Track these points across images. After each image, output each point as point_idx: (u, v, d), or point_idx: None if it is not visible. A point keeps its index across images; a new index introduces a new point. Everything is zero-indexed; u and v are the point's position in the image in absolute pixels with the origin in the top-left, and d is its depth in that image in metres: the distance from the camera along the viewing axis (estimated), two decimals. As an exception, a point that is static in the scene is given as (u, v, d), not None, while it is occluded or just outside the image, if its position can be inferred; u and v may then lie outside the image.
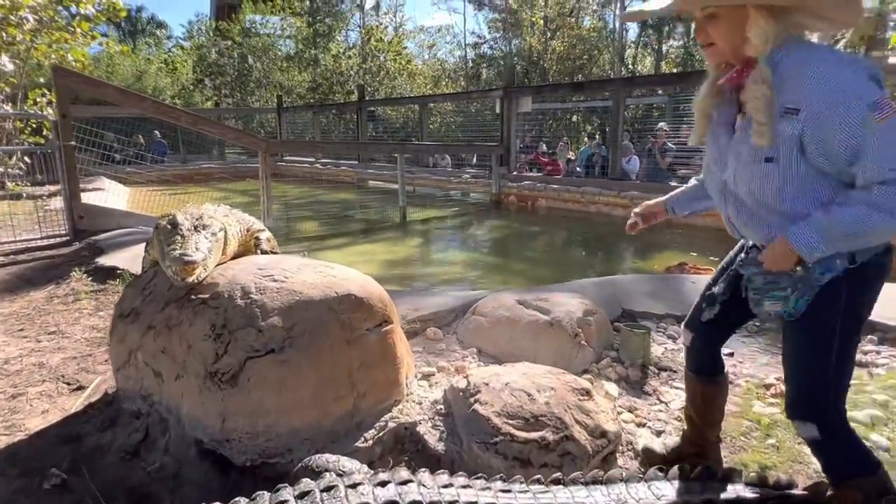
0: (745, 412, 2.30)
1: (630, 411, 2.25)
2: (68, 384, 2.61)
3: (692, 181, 1.95)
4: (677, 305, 3.33)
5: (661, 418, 2.23)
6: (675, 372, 2.62)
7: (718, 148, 1.56)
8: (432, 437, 1.97)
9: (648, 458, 1.97)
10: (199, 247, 1.94)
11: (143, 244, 2.42)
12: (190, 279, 1.86)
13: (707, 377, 1.84)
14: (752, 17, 1.36)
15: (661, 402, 2.36)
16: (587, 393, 2.06)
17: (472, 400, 1.96)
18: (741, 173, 1.46)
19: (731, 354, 2.81)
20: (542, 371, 2.14)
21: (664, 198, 1.96)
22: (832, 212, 1.32)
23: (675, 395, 2.38)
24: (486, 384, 2.01)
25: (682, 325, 1.89)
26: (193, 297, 1.95)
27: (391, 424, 1.99)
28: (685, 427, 1.98)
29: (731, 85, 1.50)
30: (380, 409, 2.02)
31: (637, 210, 1.96)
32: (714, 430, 1.92)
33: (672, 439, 2.08)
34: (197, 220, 2.07)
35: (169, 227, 2.02)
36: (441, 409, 2.09)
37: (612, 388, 2.34)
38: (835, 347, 1.45)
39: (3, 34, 7.80)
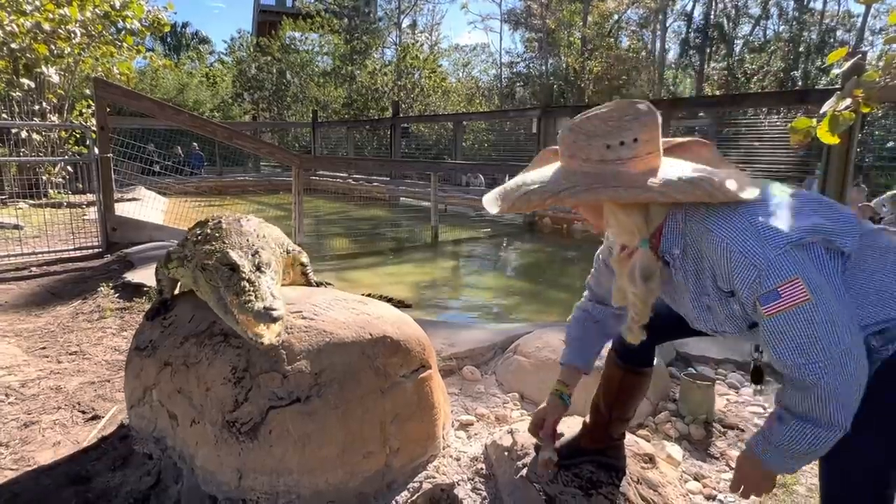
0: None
1: (696, 479, 1.97)
2: (83, 412, 2.46)
3: (578, 316, 1.69)
4: (736, 350, 3.03)
5: (732, 490, 1.94)
6: (742, 431, 2.33)
7: None
8: (472, 503, 1.73)
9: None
10: (273, 292, 1.60)
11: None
12: (276, 340, 1.58)
13: (632, 365, 1.61)
14: (608, 210, 1.22)
15: (731, 468, 2.07)
16: (651, 459, 1.80)
17: (519, 464, 1.72)
18: None
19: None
20: (597, 430, 1.89)
21: (556, 385, 1.66)
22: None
23: (747, 462, 2.09)
24: (536, 445, 1.77)
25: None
26: (215, 332, 1.77)
27: (426, 485, 1.76)
28: (587, 419, 1.75)
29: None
30: (413, 467, 1.80)
31: (537, 432, 1.66)
32: (620, 428, 1.71)
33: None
34: (253, 254, 1.75)
35: (227, 269, 1.67)
36: (482, 468, 1.86)
37: (675, 451, 2.07)
38: None
39: (52, 47, 8.01)
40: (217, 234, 1.88)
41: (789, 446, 1.13)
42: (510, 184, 1.30)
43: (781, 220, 1.10)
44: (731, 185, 1.12)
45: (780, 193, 1.19)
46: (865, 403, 1.11)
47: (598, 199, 1.17)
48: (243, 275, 1.63)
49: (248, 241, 1.85)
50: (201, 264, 1.77)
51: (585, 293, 1.70)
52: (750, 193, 1.13)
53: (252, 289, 1.58)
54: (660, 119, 1.18)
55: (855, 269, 1.13)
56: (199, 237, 1.93)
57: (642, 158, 1.15)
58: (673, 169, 1.17)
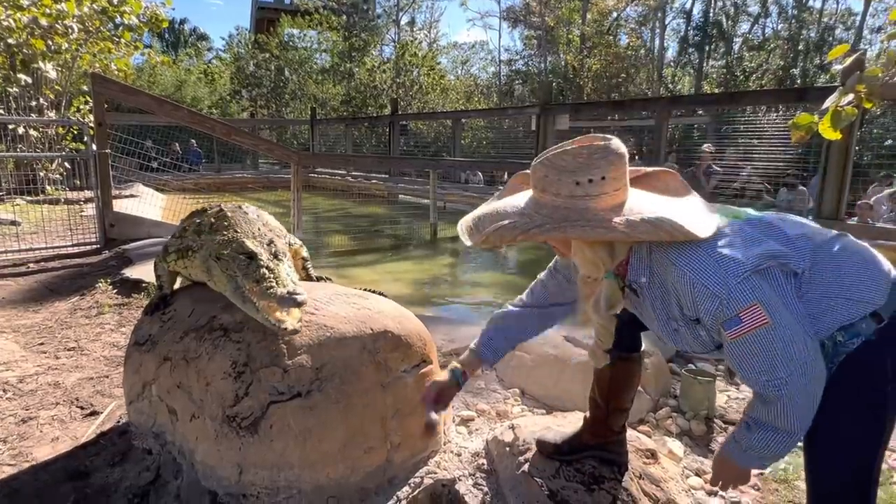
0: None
1: (698, 475, 1.97)
2: (82, 408, 2.45)
3: (508, 311, 1.74)
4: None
5: (734, 485, 1.94)
6: (743, 427, 2.33)
7: None
8: (473, 498, 1.73)
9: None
10: (293, 279, 1.62)
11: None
12: (298, 325, 1.58)
13: (620, 352, 1.61)
14: (576, 245, 1.29)
15: (732, 464, 2.07)
16: (653, 455, 1.80)
17: (521, 459, 1.71)
18: None
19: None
20: (598, 425, 1.88)
21: (464, 357, 1.71)
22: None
23: (749, 457, 2.09)
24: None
25: None
26: (215, 326, 1.76)
27: (427, 481, 1.76)
28: (586, 414, 1.76)
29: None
30: (415, 462, 1.80)
31: (431, 406, 1.63)
32: (619, 420, 1.71)
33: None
34: (268, 243, 1.75)
35: (244, 258, 1.67)
36: (483, 463, 1.85)
37: (677, 447, 2.07)
38: (886, 431, 1.21)
39: (50, 42, 7.97)
40: (225, 224, 1.86)
41: (757, 450, 1.23)
42: (483, 211, 1.35)
43: (739, 249, 1.17)
44: (691, 223, 1.18)
45: (738, 220, 1.25)
46: (834, 399, 1.17)
47: (565, 236, 1.22)
48: (261, 262, 1.64)
49: (258, 229, 1.86)
50: (216, 254, 1.75)
51: (522, 296, 1.72)
52: (709, 230, 1.20)
53: (272, 276, 1.60)
54: (626, 155, 1.24)
55: (813, 282, 1.21)
56: (201, 226, 1.91)
57: (609, 195, 1.21)
58: (639, 204, 1.24)
